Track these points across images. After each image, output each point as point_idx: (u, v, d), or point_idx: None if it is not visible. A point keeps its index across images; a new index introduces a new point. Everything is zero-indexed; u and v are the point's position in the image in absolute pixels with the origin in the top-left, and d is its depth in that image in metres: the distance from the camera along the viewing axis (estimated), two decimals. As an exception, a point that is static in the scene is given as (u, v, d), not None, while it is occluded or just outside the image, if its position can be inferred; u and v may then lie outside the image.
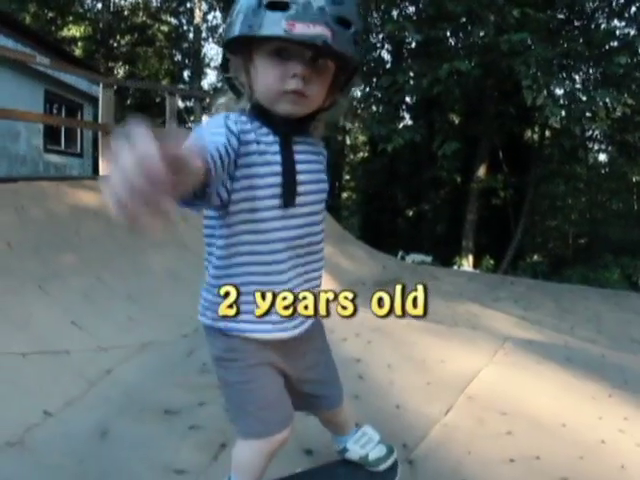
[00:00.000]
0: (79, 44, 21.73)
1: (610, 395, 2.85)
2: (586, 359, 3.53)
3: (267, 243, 1.27)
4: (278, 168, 1.25)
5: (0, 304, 3.30)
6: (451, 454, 2.15)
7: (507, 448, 2.20)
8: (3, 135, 10.58)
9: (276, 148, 1.26)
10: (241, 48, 1.22)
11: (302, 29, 1.10)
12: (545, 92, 8.86)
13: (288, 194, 1.26)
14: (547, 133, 13.92)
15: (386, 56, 13.98)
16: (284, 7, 1.11)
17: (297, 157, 1.29)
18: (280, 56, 1.17)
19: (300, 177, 1.28)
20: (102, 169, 7.49)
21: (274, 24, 1.11)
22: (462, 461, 2.09)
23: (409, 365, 3.08)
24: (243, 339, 1.33)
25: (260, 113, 1.25)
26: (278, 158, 1.25)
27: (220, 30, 23.24)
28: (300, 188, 1.28)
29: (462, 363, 3.16)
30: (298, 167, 1.29)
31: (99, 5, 22.02)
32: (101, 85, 7.62)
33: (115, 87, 8.09)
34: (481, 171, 13.26)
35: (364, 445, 1.77)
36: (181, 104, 17.39)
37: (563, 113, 9.67)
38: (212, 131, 1.15)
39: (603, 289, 8.59)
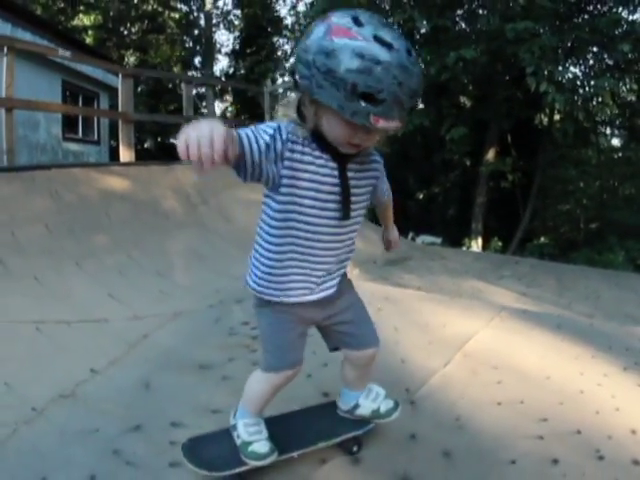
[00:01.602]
0: (90, 33, 21.85)
1: (593, 356, 3.16)
2: (575, 327, 3.83)
3: (314, 241, 1.60)
4: (335, 189, 1.55)
5: (43, 280, 3.69)
6: (447, 397, 2.51)
7: (496, 394, 2.55)
8: (23, 124, 10.84)
9: (334, 173, 1.54)
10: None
11: (383, 124, 1.34)
12: (548, 79, 9.02)
13: (344, 211, 1.57)
14: (557, 117, 14.04)
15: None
16: (376, 103, 1.31)
17: (351, 182, 1.57)
18: (351, 122, 1.37)
19: (353, 198, 1.58)
20: (122, 155, 7.81)
21: (363, 116, 1.33)
22: (456, 403, 2.45)
23: (413, 328, 3.42)
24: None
25: (322, 142, 1.50)
26: (335, 181, 1.54)
27: (231, 16, 23.45)
28: (353, 206, 1.59)
29: (461, 327, 3.50)
30: (352, 190, 1.57)
31: (109, -6, 22.11)
32: (120, 75, 7.95)
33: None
34: (490, 154, 13.44)
35: (374, 399, 1.99)
36: (193, 90, 17.63)
37: (565, 99, 9.83)
38: (263, 129, 1.45)
39: (605, 270, 8.78)
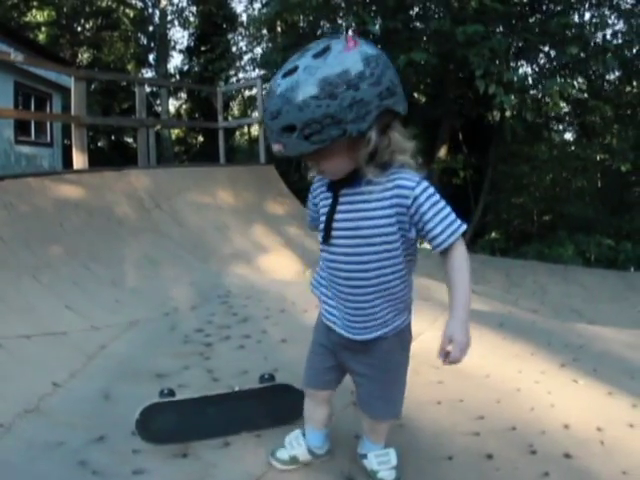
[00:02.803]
0: (43, 29, 21.46)
1: (532, 354, 3.36)
2: (517, 325, 4.06)
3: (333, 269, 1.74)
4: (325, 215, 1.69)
5: (1, 295, 3.70)
6: (390, 398, 2.66)
7: (436, 393, 2.72)
8: (-25, 129, 10.69)
9: (329, 200, 1.67)
10: None
11: (274, 147, 1.49)
12: (497, 81, 9.22)
13: (325, 233, 1.68)
14: (507, 113, 14.35)
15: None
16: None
17: (340, 207, 1.63)
18: None
19: (335, 224, 1.65)
20: (76, 161, 7.75)
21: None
22: (398, 403, 2.60)
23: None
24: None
25: None
26: (328, 208, 1.68)
27: (186, 13, 23.28)
28: (334, 233, 1.65)
29: (406, 328, 3.64)
30: (337, 216, 1.64)
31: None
32: (73, 78, 7.85)
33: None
34: (442, 152, 13.70)
35: (380, 463, 2.01)
36: (147, 88, 17.53)
37: (514, 100, 10.11)
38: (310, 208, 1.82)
39: (554, 265, 9.05)
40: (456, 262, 1.60)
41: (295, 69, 1.41)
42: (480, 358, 3.20)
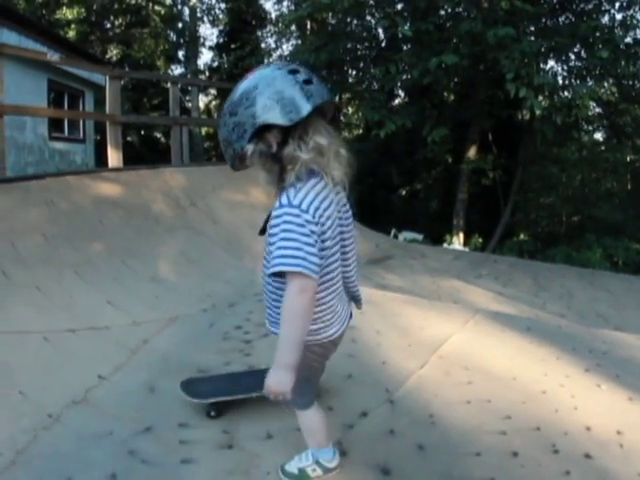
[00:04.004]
0: (72, 26, 21.73)
1: (558, 358, 3.45)
2: (544, 329, 4.14)
3: None
4: None
5: (45, 290, 3.88)
6: (422, 397, 2.80)
7: (466, 393, 2.84)
8: (10, 125, 10.75)
9: None
10: None
11: None
12: (527, 83, 9.19)
13: (261, 227, 1.82)
14: (537, 112, 14.26)
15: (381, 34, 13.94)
16: None
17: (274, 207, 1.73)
18: None
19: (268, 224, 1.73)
20: (111, 158, 7.93)
21: None
22: (430, 401, 2.74)
23: (394, 331, 3.71)
24: None
25: None
26: None
27: (215, 10, 23.43)
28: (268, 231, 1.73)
29: (438, 330, 3.79)
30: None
31: (93, -14, 21.85)
32: (107, 77, 8.05)
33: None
34: (471, 152, 13.67)
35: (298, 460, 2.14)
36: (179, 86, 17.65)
37: (544, 103, 10.08)
38: None
39: (581, 268, 9.06)
40: (284, 302, 1.67)
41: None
42: (508, 360, 3.31)
